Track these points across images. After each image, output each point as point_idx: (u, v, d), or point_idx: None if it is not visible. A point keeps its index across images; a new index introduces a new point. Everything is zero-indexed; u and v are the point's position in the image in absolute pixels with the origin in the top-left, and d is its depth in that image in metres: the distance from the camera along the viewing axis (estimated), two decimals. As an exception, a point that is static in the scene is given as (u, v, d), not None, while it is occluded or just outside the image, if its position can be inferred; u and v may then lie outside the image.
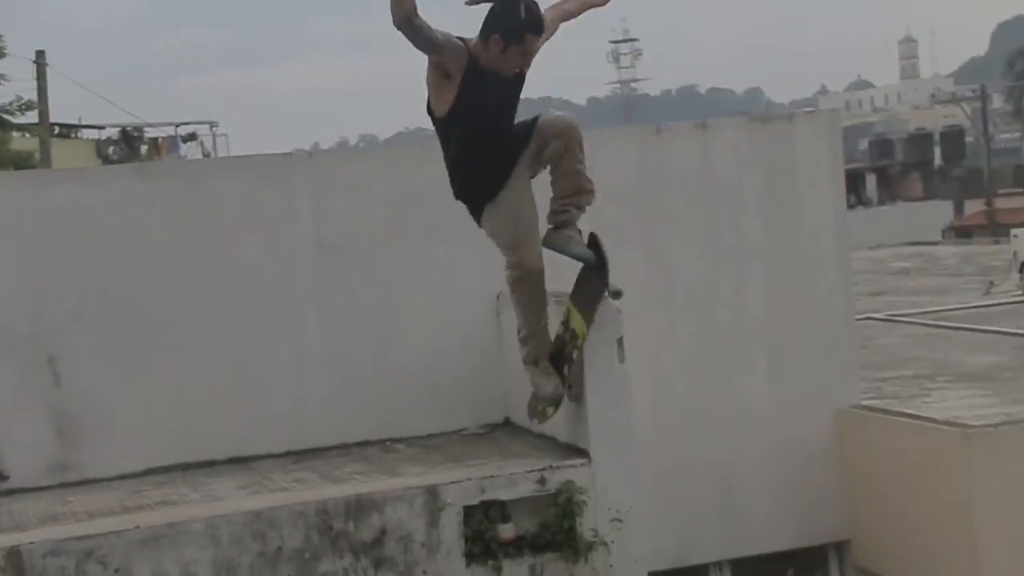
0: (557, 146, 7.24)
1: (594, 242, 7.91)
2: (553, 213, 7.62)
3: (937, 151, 69.69)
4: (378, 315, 9.93)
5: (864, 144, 76.16)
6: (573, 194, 7.53)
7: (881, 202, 64.12)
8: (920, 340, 14.70)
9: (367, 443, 9.74)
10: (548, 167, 7.47)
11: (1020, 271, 19.00)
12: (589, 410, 8.50)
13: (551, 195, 7.72)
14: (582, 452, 8.51)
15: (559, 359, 8.19)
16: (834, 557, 11.06)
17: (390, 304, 9.95)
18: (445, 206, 10.31)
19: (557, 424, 9.10)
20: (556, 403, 8.13)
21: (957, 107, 69.48)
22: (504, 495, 8.23)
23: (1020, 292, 18.63)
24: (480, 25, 6.69)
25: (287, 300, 9.81)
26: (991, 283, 19.95)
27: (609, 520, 8.29)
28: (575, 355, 8.15)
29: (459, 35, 6.70)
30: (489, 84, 6.58)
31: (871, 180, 66.43)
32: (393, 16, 6.24)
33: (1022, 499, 9.30)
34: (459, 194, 7.40)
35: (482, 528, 8.19)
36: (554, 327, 8.25)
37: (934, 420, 9.73)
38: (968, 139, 70.39)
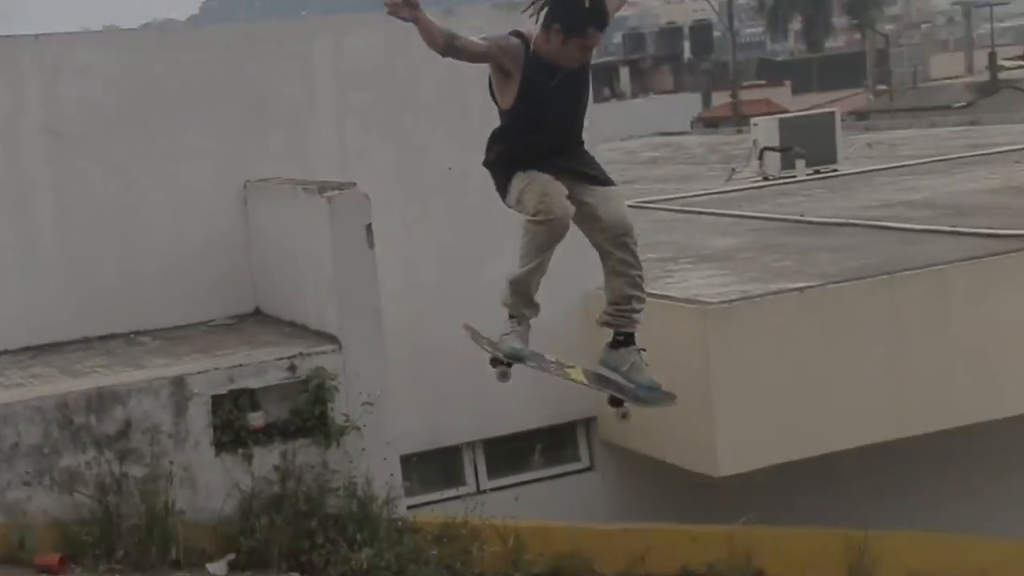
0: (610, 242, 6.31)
1: None
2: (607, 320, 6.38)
3: (687, 45, 71.03)
4: (119, 205, 9.66)
5: (617, 38, 77.15)
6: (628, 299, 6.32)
7: (634, 94, 65.18)
8: (666, 225, 15.05)
9: (111, 337, 9.53)
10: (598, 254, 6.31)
11: (759, 158, 19.54)
12: (337, 296, 8.49)
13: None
14: (332, 339, 8.50)
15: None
16: (582, 433, 11.35)
17: (131, 194, 9.70)
18: (187, 94, 10.07)
19: (307, 311, 9.06)
20: (509, 360, 6.67)
21: (705, 2, 70.88)
22: (253, 383, 8.18)
23: (759, 178, 19.21)
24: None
25: (17, 190, 9.46)
26: (732, 170, 20.50)
27: (360, 404, 8.33)
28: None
29: (518, 29, 6.17)
30: (549, 75, 6.16)
31: (624, 73, 67.39)
32: (433, 49, 5.90)
33: (754, 369, 9.68)
34: (496, 163, 6.44)
35: (231, 417, 8.13)
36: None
37: (675, 299, 10.00)
38: (716, 33, 71.94)
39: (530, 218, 6.24)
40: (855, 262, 11.01)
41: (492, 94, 6.33)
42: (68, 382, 8.13)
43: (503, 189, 6.39)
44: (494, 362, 6.44)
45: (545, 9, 6.07)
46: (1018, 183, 15.49)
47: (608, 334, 6.38)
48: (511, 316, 6.47)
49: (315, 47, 10.33)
